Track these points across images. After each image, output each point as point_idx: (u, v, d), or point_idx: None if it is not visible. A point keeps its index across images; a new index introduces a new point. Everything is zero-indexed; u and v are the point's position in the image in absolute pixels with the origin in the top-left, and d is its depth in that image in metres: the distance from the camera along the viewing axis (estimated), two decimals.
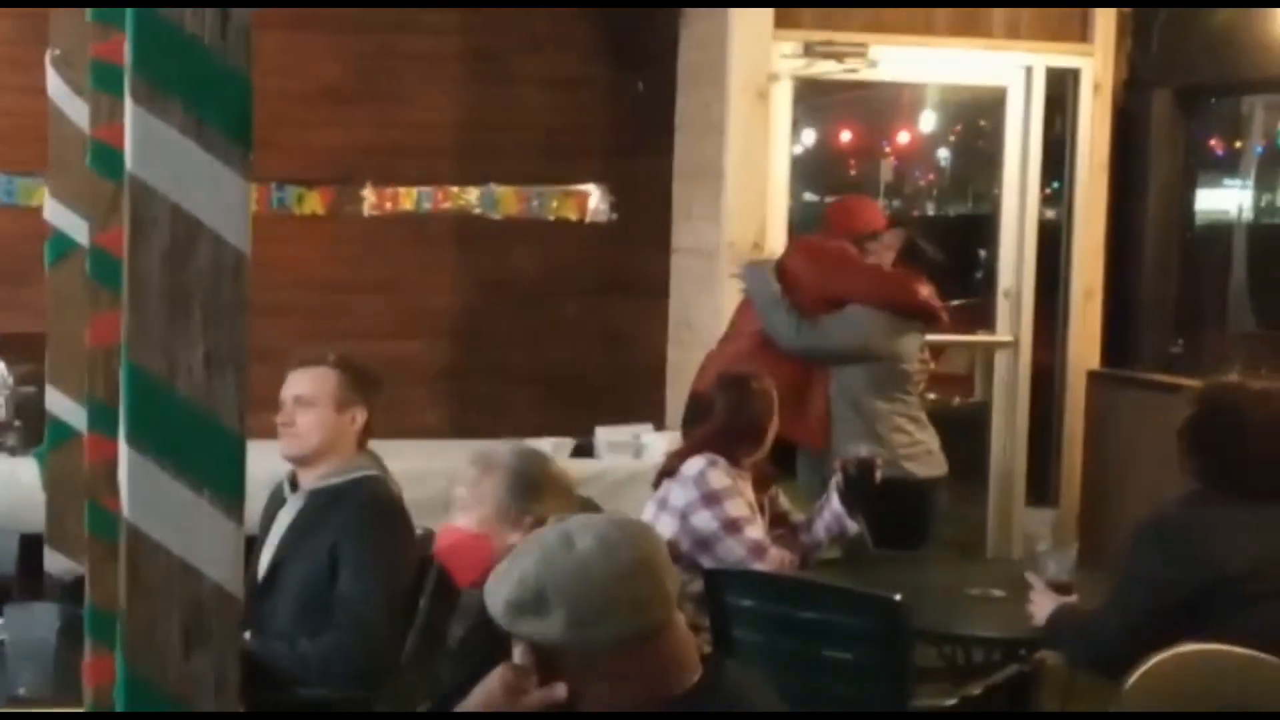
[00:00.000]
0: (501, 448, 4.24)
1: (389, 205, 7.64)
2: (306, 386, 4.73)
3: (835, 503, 5.62)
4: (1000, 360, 8.07)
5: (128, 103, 1.98)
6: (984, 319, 8.36)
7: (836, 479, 5.64)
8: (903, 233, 6.58)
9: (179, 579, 2.01)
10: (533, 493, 4.05)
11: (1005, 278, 8.02)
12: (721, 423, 5.52)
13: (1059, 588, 5.02)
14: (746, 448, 5.54)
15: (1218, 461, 4.55)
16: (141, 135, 1.96)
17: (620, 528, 2.79)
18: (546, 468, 4.18)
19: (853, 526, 5.65)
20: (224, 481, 2.01)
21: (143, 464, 1.99)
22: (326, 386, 4.74)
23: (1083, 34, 7.82)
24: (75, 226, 4.56)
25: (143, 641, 2.02)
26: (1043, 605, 4.93)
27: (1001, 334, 8.04)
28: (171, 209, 1.97)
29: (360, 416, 4.78)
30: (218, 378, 2.00)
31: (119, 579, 2.04)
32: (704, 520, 5.37)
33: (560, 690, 2.70)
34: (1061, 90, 7.93)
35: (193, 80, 1.95)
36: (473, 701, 2.84)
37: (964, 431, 9.40)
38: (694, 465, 5.47)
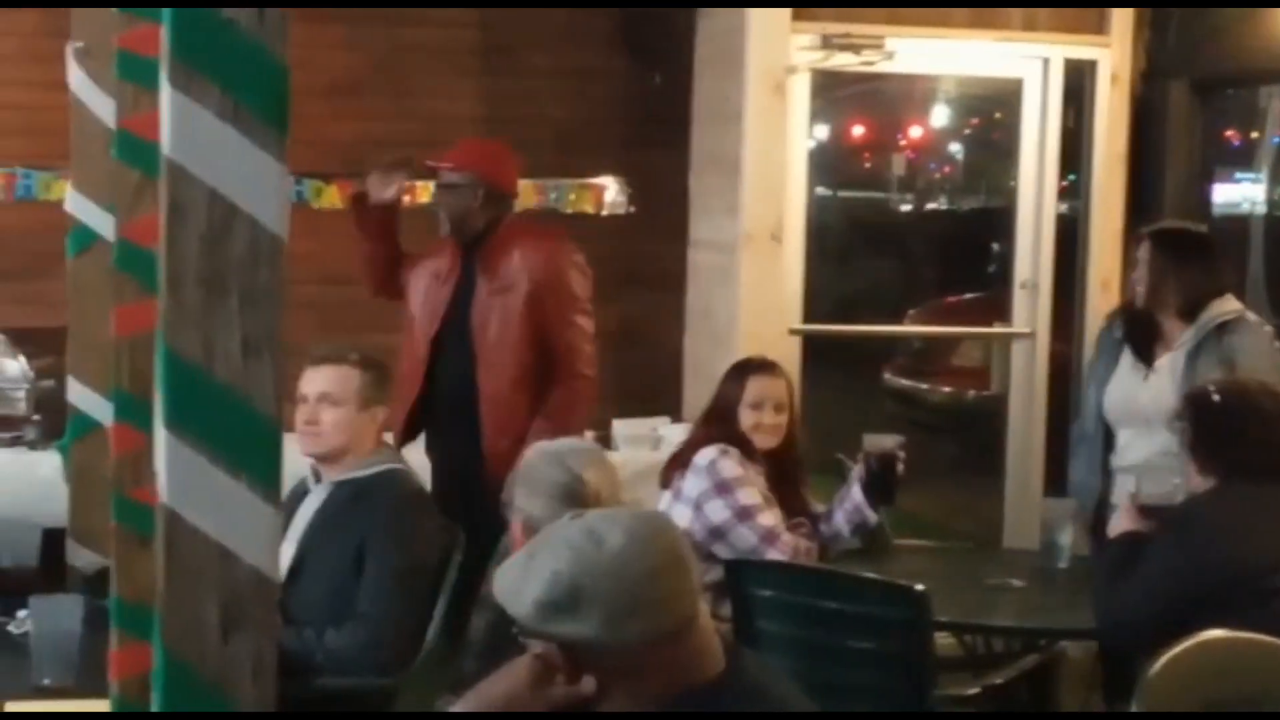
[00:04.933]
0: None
1: (407, 198, 7.63)
2: (332, 385, 4.75)
3: (856, 493, 5.63)
4: (1017, 352, 8.06)
5: (164, 87, 1.99)
6: (999, 311, 8.35)
7: (858, 470, 5.65)
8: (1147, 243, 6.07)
9: (217, 563, 2.02)
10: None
11: (1022, 270, 8.00)
12: None
13: (1144, 513, 4.99)
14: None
15: (1235, 456, 4.56)
16: (178, 120, 1.97)
17: (647, 522, 2.78)
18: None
19: (873, 517, 5.66)
20: (261, 466, 2.02)
21: (180, 449, 2.00)
22: (351, 385, 4.76)
23: (1100, 26, 7.80)
24: (97, 218, 4.58)
25: (181, 626, 2.03)
26: (1123, 522, 4.93)
27: (1019, 326, 8.03)
28: (208, 193, 1.98)
29: (381, 414, 4.85)
30: (255, 362, 2.01)
31: (156, 564, 2.05)
32: (717, 509, 5.39)
33: (589, 685, 2.69)
34: (1078, 82, 7.91)
35: (230, 65, 1.96)
36: (496, 693, 2.82)
37: (980, 424, 9.42)
38: (706, 455, 5.49)
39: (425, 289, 6.06)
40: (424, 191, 7.45)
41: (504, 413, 5.83)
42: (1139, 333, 5.88)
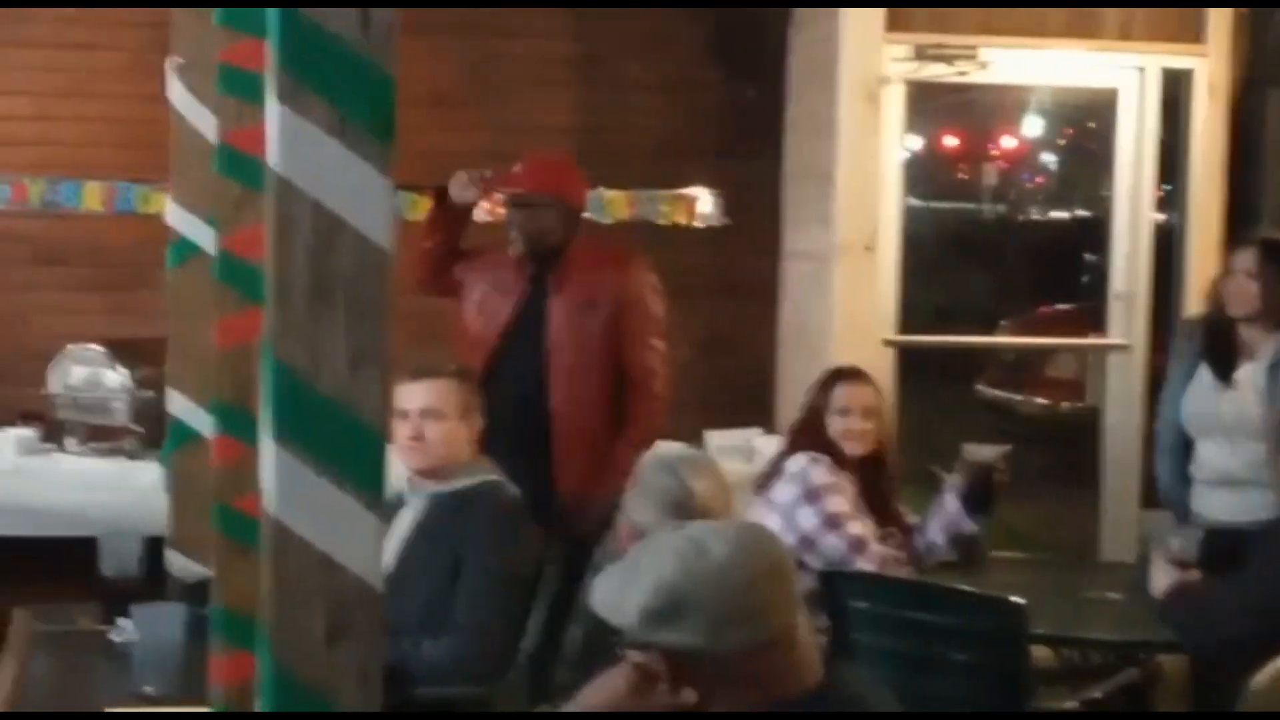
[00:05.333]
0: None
1: (501, 210, 7.66)
2: (433, 399, 4.78)
3: (951, 503, 5.60)
4: (1114, 364, 8.00)
5: (271, 102, 2.00)
6: (1095, 322, 8.29)
7: (955, 479, 5.62)
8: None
9: (322, 573, 2.03)
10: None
11: (1118, 281, 7.94)
12: None
13: (1182, 565, 4.98)
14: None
15: None
16: (285, 133, 1.99)
17: (750, 532, 2.79)
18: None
19: (969, 526, 5.63)
20: (366, 477, 2.03)
21: (287, 460, 2.01)
22: (452, 398, 4.80)
23: (1196, 34, 7.73)
24: (198, 231, 4.62)
25: (286, 635, 2.04)
26: (1162, 579, 4.90)
27: (1115, 337, 7.97)
28: (314, 206, 1.99)
29: (478, 423, 4.86)
30: (361, 374, 2.02)
31: (261, 574, 2.07)
32: (806, 516, 5.40)
33: (689, 693, 2.69)
34: (1175, 90, 7.85)
35: (336, 79, 1.97)
36: (596, 702, 2.83)
37: (1075, 435, 9.36)
38: (797, 463, 5.52)
39: (481, 296, 5.98)
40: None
41: (575, 431, 5.76)
42: (1221, 343, 5.78)
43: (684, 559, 2.66)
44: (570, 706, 2.90)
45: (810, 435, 5.63)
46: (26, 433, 6.98)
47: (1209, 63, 7.72)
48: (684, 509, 4.23)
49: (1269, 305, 5.67)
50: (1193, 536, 5.14)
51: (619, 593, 2.69)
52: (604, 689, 2.83)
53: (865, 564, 5.33)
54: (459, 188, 6.09)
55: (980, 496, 5.61)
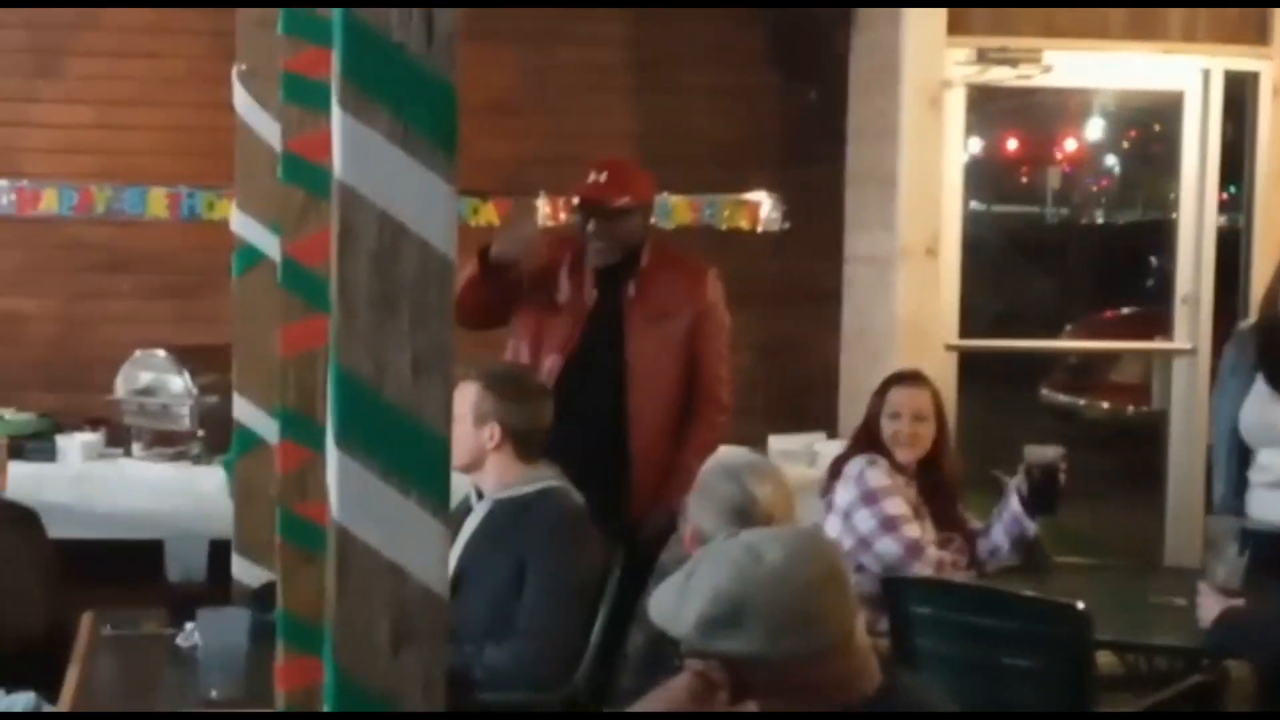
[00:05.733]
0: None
1: (563, 215, 7.68)
2: (454, 400, 4.73)
3: (1015, 505, 5.58)
4: (1178, 367, 7.96)
5: (335, 110, 2.02)
6: (1159, 326, 8.25)
7: (1019, 481, 5.60)
8: None
9: (387, 579, 2.04)
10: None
11: (1183, 284, 7.91)
12: None
13: (1228, 594, 4.96)
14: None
15: None
16: (349, 142, 2.00)
17: (806, 538, 2.79)
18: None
19: (1032, 528, 5.60)
20: (430, 483, 2.04)
21: (351, 466, 2.03)
22: (468, 400, 4.76)
23: (1261, 35, 7.69)
24: (262, 238, 4.65)
25: (351, 641, 2.05)
26: (1210, 607, 4.87)
27: (1179, 341, 7.93)
28: (379, 214, 2.01)
29: (496, 432, 4.77)
30: (425, 381, 2.03)
31: (327, 580, 2.08)
32: (863, 519, 5.41)
33: (749, 705, 2.69)
34: (1239, 92, 7.80)
35: (400, 87, 1.98)
36: (656, 709, 2.83)
37: (1140, 440, 9.32)
38: (855, 465, 5.53)
39: (539, 314, 5.79)
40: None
41: (653, 442, 5.69)
42: (1276, 350, 5.70)
43: (740, 566, 2.66)
44: (630, 711, 2.90)
45: (866, 439, 5.63)
46: (92, 438, 7.03)
47: (1275, 65, 7.68)
48: (746, 516, 4.23)
49: None
50: (1237, 565, 5.10)
51: (676, 602, 2.69)
52: (665, 697, 2.83)
53: (921, 568, 5.33)
54: (508, 242, 5.74)
55: (1045, 496, 5.58)
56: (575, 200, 5.89)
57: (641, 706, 2.91)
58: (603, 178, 5.81)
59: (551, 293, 5.81)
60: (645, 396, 5.71)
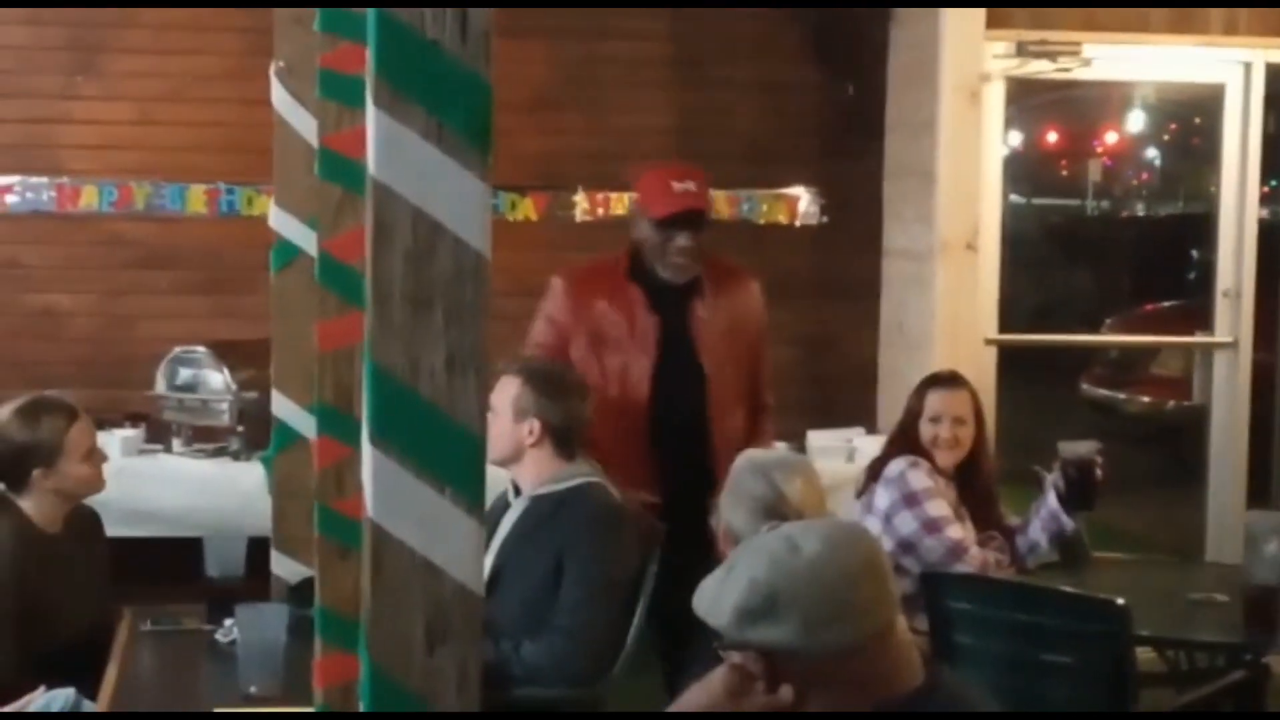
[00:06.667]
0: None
1: (601, 210, 7.69)
2: (493, 394, 4.74)
3: (1052, 501, 5.56)
4: (1220, 361, 7.93)
5: (369, 107, 2.02)
6: (1200, 320, 8.22)
7: (1055, 478, 5.58)
8: None
9: (422, 577, 2.04)
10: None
11: (1224, 278, 7.88)
12: None
13: (1266, 591, 4.93)
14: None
15: None
16: (383, 139, 2.00)
17: (844, 530, 2.78)
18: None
19: (1070, 524, 5.57)
20: (465, 481, 2.04)
21: (386, 464, 2.03)
22: (508, 395, 4.77)
23: None
24: (300, 234, 4.66)
25: (386, 639, 2.05)
26: None
27: (1220, 335, 7.90)
28: (413, 212, 2.01)
29: (536, 428, 4.75)
30: (459, 379, 2.03)
31: (362, 578, 2.08)
32: (905, 521, 5.38)
33: (786, 694, 2.68)
34: None
35: (434, 84, 1.98)
36: (692, 702, 2.83)
37: (1181, 434, 9.28)
38: (895, 467, 5.49)
39: (609, 336, 5.45)
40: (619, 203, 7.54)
41: (731, 448, 5.23)
42: None
43: (776, 557, 2.66)
44: (671, 709, 2.90)
45: (905, 441, 5.60)
46: (132, 433, 7.05)
47: None
48: (776, 513, 4.22)
49: None
50: (1278, 562, 5.07)
51: (716, 593, 2.69)
52: (702, 691, 2.82)
53: (965, 569, 5.31)
54: None
55: (1081, 492, 5.56)
56: (656, 215, 5.39)
57: (680, 700, 2.91)
58: (690, 185, 5.43)
59: (603, 337, 5.48)
60: (723, 403, 5.51)
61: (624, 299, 5.47)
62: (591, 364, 5.43)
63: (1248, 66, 7.70)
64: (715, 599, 2.69)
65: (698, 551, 4.82)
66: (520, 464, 4.78)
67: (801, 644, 2.62)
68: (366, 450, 2.05)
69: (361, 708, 2.10)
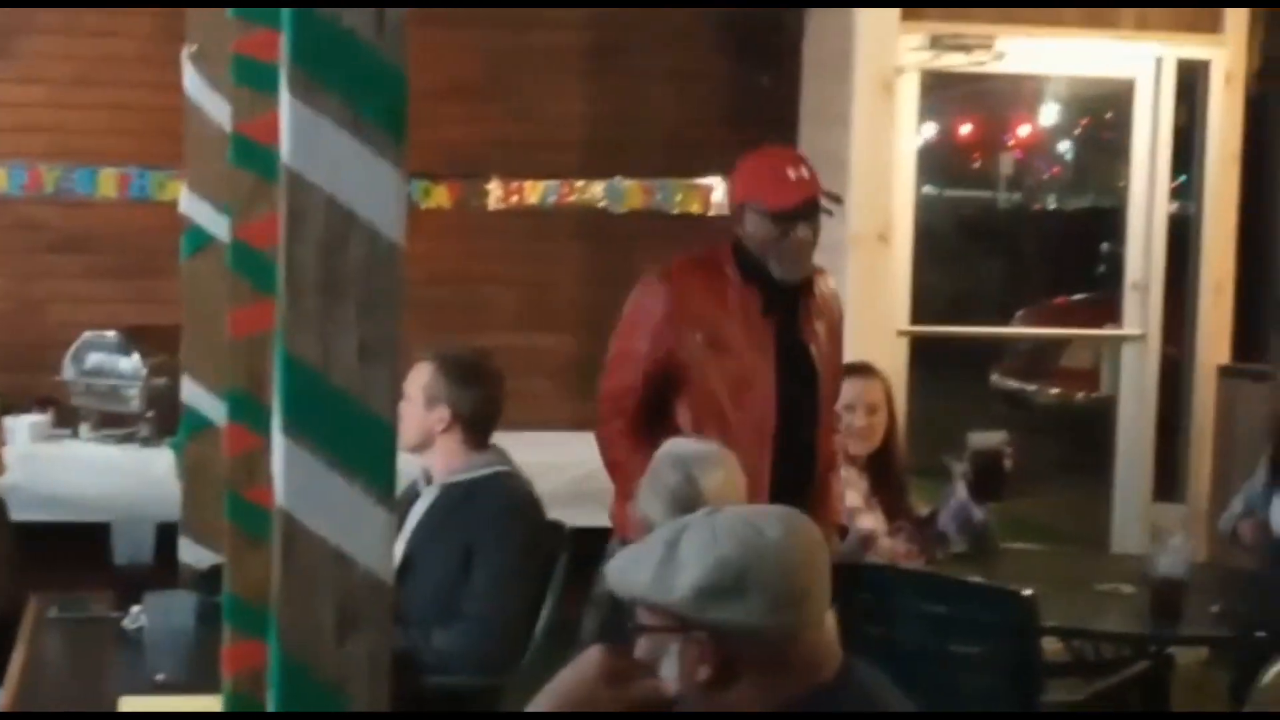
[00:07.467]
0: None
1: (515, 199, 7.68)
2: (406, 381, 4.72)
3: (961, 492, 5.61)
4: (1128, 354, 8.00)
5: (283, 96, 2.01)
6: (1110, 313, 8.29)
7: (964, 469, 5.62)
8: None
9: (332, 566, 2.04)
10: None
11: (1134, 271, 7.95)
12: None
13: (1169, 583, 4.99)
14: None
15: None
16: (297, 127, 1.99)
17: (795, 516, 2.78)
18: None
19: (980, 515, 5.62)
20: (377, 470, 2.04)
21: (297, 453, 2.02)
22: (420, 381, 4.75)
23: (1213, 24, 7.73)
24: (212, 220, 4.63)
25: (296, 628, 2.05)
26: None
27: (1130, 328, 7.97)
28: (326, 200, 2.00)
29: (447, 416, 4.73)
30: (371, 367, 2.03)
31: (272, 566, 2.07)
32: None
33: (667, 687, 2.68)
34: (1191, 81, 7.85)
35: (349, 73, 1.98)
36: (563, 690, 2.79)
37: (1089, 426, 9.36)
38: None
39: (727, 344, 4.84)
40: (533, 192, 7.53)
41: (824, 471, 5.04)
42: None
43: (743, 537, 2.65)
44: (541, 694, 2.85)
45: None
46: (40, 419, 7.00)
47: (1226, 53, 7.72)
48: (692, 506, 4.21)
49: None
50: (1179, 554, 5.14)
51: (659, 573, 2.65)
52: (575, 676, 2.79)
53: (875, 559, 5.33)
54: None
55: (990, 483, 5.60)
56: (774, 207, 4.76)
57: (549, 690, 2.85)
58: (804, 172, 4.87)
59: (720, 343, 4.84)
60: (827, 433, 5.06)
61: (736, 302, 4.82)
62: (710, 369, 4.80)
63: (1159, 62, 7.76)
64: (660, 578, 2.66)
65: None
66: (431, 451, 4.77)
67: (763, 623, 2.62)
68: (277, 439, 2.05)
69: (269, 698, 2.09)
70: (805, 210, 4.76)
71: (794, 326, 4.89)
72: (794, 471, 4.84)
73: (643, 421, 4.81)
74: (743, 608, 2.60)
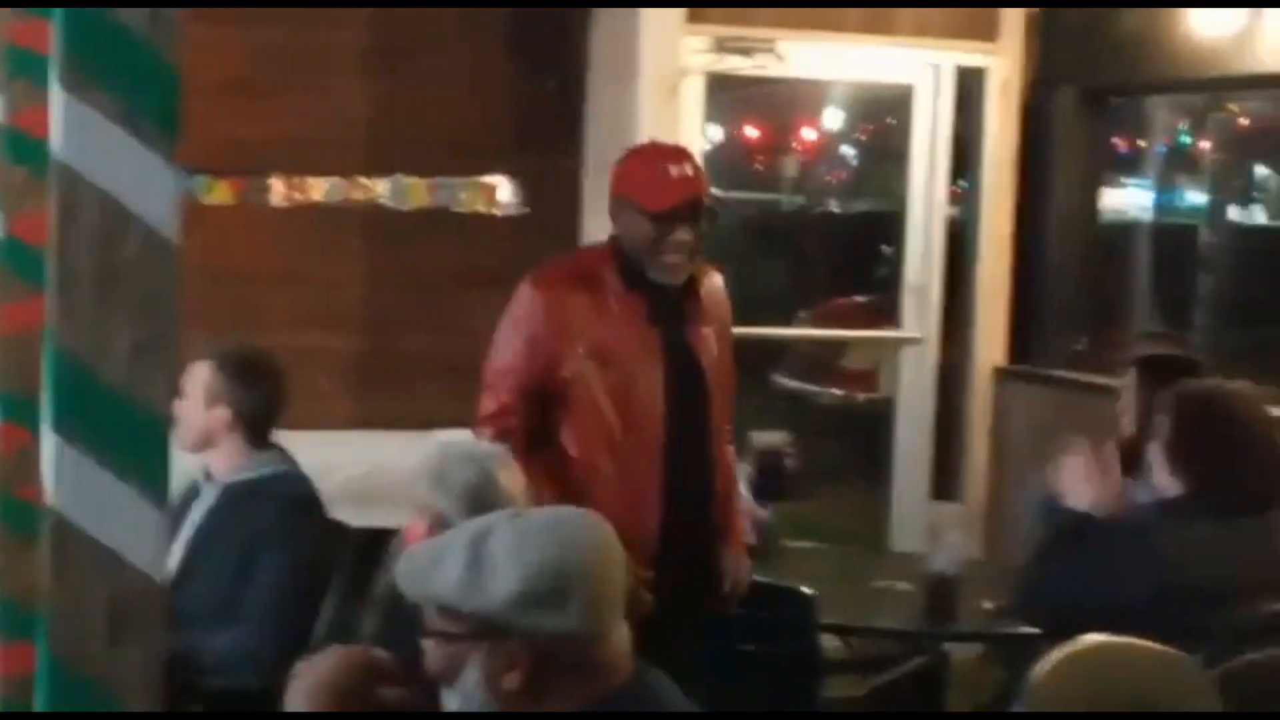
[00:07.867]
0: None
1: (298, 195, 7.61)
2: (184, 379, 4.67)
3: (743, 491, 5.65)
4: (907, 356, 8.12)
5: (55, 90, 1.98)
6: (889, 315, 8.41)
7: (747, 468, 5.67)
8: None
9: (105, 567, 2.01)
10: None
11: (912, 274, 8.07)
12: None
13: (944, 581, 5.09)
14: None
15: (1211, 470, 4.07)
16: (70, 121, 1.96)
17: (595, 519, 2.79)
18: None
19: (762, 514, 5.68)
20: (150, 470, 2.01)
21: (68, 452, 1.99)
22: (199, 381, 4.70)
23: (990, 32, 7.88)
24: None
25: (67, 630, 2.02)
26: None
27: (908, 330, 8.10)
28: (100, 196, 1.97)
29: (227, 415, 4.70)
30: (145, 365, 2.00)
31: (43, 567, 2.04)
32: None
33: (419, 695, 2.67)
34: (969, 87, 7.98)
35: (122, 68, 1.95)
36: (306, 688, 2.77)
37: (869, 427, 9.49)
38: None
39: (609, 352, 4.65)
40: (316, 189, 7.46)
41: (725, 478, 4.90)
42: None
43: (556, 541, 2.63)
44: (299, 686, 2.82)
45: None
46: None
47: (1001, 61, 7.87)
48: (488, 501, 4.20)
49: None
50: (953, 552, 5.23)
51: (467, 578, 2.61)
52: (316, 674, 2.77)
53: None
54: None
55: (772, 482, 5.66)
56: (652, 207, 4.57)
57: (293, 691, 2.83)
58: (688, 170, 4.68)
59: (602, 353, 4.64)
60: (721, 440, 4.90)
61: (619, 310, 4.65)
62: (594, 383, 4.62)
63: (937, 68, 7.90)
64: (470, 584, 2.62)
65: (701, 584, 4.59)
66: (212, 451, 4.72)
67: (579, 629, 2.61)
68: (48, 437, 2.02)
69: (38, 701, 2.05)
70: (685, 211, 4.57)
71: (681, 332, 4.72)
72: (689, 486, 4.68)
73: (528, 443, 4.55)
74: (562, 614, 2.60)
